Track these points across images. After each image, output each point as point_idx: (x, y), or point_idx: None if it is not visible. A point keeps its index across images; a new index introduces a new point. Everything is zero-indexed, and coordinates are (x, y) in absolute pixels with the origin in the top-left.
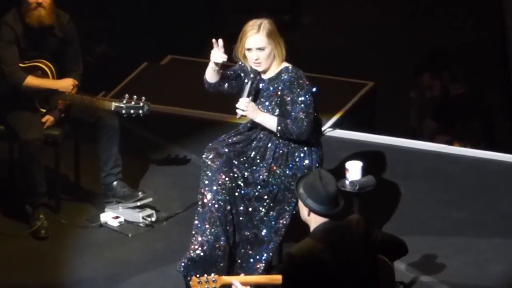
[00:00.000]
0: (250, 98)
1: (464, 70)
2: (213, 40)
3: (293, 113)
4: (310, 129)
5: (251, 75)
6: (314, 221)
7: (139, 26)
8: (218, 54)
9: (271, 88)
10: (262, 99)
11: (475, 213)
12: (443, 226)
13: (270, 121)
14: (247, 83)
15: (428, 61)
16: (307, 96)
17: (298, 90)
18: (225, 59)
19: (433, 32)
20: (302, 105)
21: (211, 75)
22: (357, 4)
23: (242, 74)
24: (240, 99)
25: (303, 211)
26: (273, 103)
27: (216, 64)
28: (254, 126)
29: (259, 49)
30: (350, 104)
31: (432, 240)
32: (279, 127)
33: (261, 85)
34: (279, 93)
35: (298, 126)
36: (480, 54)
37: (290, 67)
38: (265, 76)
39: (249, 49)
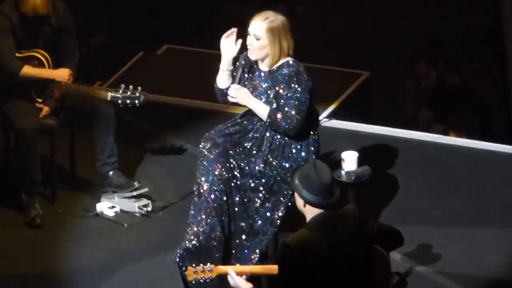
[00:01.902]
0: (241, 84)
1: (460, 59)
2: (231, 30)
3: (286, 108)
4: (299, 126)
5: (242, 62)
6: (310, 211)
7: (135, 16)
8: (231, 47)
9: (270, 82)
10: (260, 92)
11: (470, 203)
12: (439, 216)
13: (261, 110)
14: (237, 69)
15: (423, 50)
16: (303, 93)
17: (296, 86)
18: (239, 45)
19: (429, 21)
20: (296, 102)
21: (224, 78)
22: None
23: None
24: (231, 86)
25: (299, 202)
26: (271, 96)
27: (232, 60)
28: (251, 116)
29: (255, 36)
30: (346, 94)
31: (427, 230)
32: (268, 119)
33: (260, 78)
34: (276, 87)
35: (287, 123)
36: (476, 43)
37: (291, 61)
38: (265, 69)
39: (248, 33)
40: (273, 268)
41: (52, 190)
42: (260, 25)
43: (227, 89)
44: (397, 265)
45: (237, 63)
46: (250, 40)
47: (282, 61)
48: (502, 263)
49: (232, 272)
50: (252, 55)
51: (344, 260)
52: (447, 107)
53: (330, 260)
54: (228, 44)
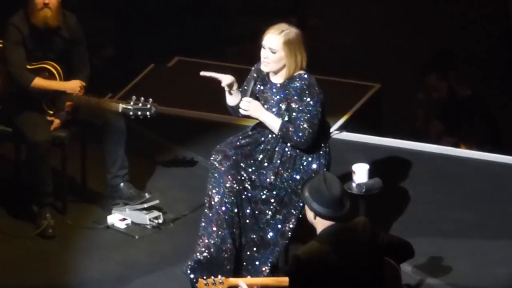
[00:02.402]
0: (252, 96)
1: (471, 72)
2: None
3: (297, 122)
4: (311, 140)
5: (254, 74)
6: (320, 223)
7: (145, 28)
8: (225, 77)
9: (282, 94)
10: (271, 104)
11: (481, 215)
12: (450, 228)
13: (273, 123)
14: (249, 82)
15: (434, 62)
16: (315, 106)
17: (308, 99)
18: (232, 79)
19: (440, 33)
20: (308, 115)
21: (230, 98)
22: (364, 5)
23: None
24: (243, 99)
25: (309, 214)
26: (283, 109)
27: (228, 85)
28: (262, 128)
29: (271, 49)
30: (357, 106)
31: (438, 242)
32: (280, 132)
33: (272, 90)
34: (288, 99)
35: (299, 136)
36: (487, 55)
37: (303, 74)
38: (276, 81)
39: (263, 46)
40: (284, 280)
41: (63, 202)
42: (276, 39)
43: (238, 105)
44: (408, 277)
45: (249, 76)
46: (265, 53)
47: (295, 73)
48: None
49: (243, 284)
50: (267, 67)
51: (354, 273)
52: (458, 119)
53: (341, 272)
54: (222, 75)
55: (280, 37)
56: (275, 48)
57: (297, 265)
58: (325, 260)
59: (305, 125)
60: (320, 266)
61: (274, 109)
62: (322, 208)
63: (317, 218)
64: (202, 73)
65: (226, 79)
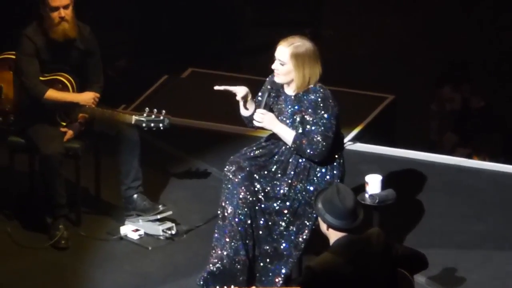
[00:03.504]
0: (266, 108)
1: (485, 83)
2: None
3: (311, 134)
4: (325, 153)
5: (268, 86)
6: (334, 235)
7: (159, 39)
8: (239, 89)
9: (296, 107)
10: (285, 116)
11: (495, 227)
12: (463, 239)
13: (287, 135)
14: (263, 94)
15: (448, 74)
16: (330, 119)
17: (322, 112)
18: (247, 91)
19: (454, 44)
20: (322, 128)
21: (244, 109)
22: (378, 16)
23: (269, 86)
24: (257, 110)
25: (322, 225)
26: (297, 121)
27: (243, 97)
28: (276, 140)
29: (280, 61)
30: (371, 117)
31: (452, 253)
32: (293, 144)
33: (286, 102)
34: (303, 112)
35: (312, 148)
36: (500, 67)
37: (318, 87)
38: (290, 93)
39: (274, 58)
40: None
41: (76, 213)
42: (284, 51)
43: (252, 115)
44: None
45: (263, 87)
46: (275, 64)
47: (307, 86)
48: None
49: None
50: (278, 79)
51: (367, 284)
52: (471, 131)
53: (354, 284)
54: (236, 88)
55: (288, 49)
56: (284, 60)
57: (310, 277)
58: (338, 271)
59: (319, 138)
60: (333, 278)
61: (288, 121)
62: (335, 220)
63: (330, 229)
64: (217, 88)
65: (241, 91)
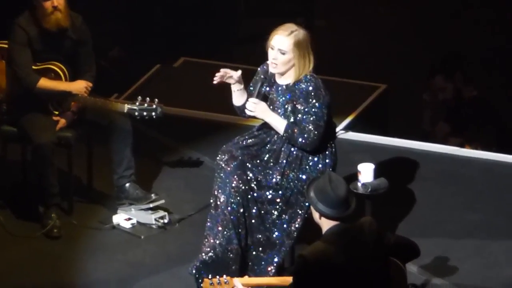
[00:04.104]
0: (259, 97)
1: (477, 72)
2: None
3: (303, 123)
4: (317, 142)
5: (261, 76)
6: (326, 224)
7: (152, 28)
8: (234, 72)
9: (288, 96)
10: (277, 106)
11: (487, 216)
12: (455, 228)
13: (279, 124)
14: (256, 83)
15: (441, 64)
16: (321, 108)
17: (314, 101)
18: (240, 73)
19: (446, 34)
20: (314, 117)
21: (236, 98)
22: (370, 7)
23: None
24: (249, 99)
25: (315, 214)
26: (289, 110)
27: (235, 83)
28: (268, 129)
29: (280, 51)
30: (363, 106)
31: (444, 242)
32: (285, 133)
33: (278, 92)
34: (294, 101)
35: (304, 137)
36: (492, 56)
37: (309, 76)
38: (283, 83)
39: (272, 47)
40: (289, 280)
41: (69, 202)
42: (285, 40)
43: (244, 104)
44: (413, 277)
45: (255, 77)
46: (274, 54)
47: (301, 75)
48: None
49: (238, 283)
50: (275, 69)
51: (360, 273)
52: (464, 120)
53: (346, 272)
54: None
55: (289, 38)
56: (285, 49)
57: (302, 265)
58: (331, 260)
59: (310, 127)
60: (326, 266)
61: (280, 111)
62: (327, 208)
63: (323, 218)
64: (215, 81)
65: (236, 74)
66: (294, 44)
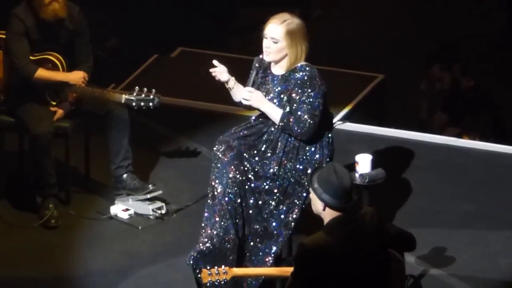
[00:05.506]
0: (254, 86)
1: (474, 62)
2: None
3: (298, 112)
4: (312, 131)
5: (256, 65)
6: (329, 214)
7: (149, 18)
8: (223, 73)
9: (283, 86)
10: (272, 96)
11: (485, 206)
12: (453, 219)
13: (275, 113)
14: (251, 72)
15: (438, 54)
16: (316, 97)
17: (309, 90)
18: (222, 68)
19: (444, 24)
20: (309, 106)
21: (234, 94)
22: None
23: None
24: (244, 88)
25: (318, 205)
26: (284, 100)
27: (226, 82)
28: (265, 119)
29: (273, 39)
30: (360, 97)
31: (441, 233)
32: (281, 123)
33: (273, 81)
34: (290, 91)
35: (299, 127)
36: (490, 47)
37: (305, 65)
38: (278, 72)
39: (265, 36)
40: (288, 271)
41: (66, 192)
42: (278, 28)
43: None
44: (411, 267)
45: (252, 66)
46: (267, 43)
47: (296, 65)
48: None
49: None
50: (269, 57)
51: (361, 263)
52: (461, 110)
53: (347, 262)
54: (220, 71)
55: (282, 26)
56: (277, 37)
57: (303, 254)
58: (332, 250)
59: (305, 116)
60: (327, 256)
61: (275, 100)
62: (332, 199)
63: (327, 209)
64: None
65: (220, 71)
66: (286, 33)
